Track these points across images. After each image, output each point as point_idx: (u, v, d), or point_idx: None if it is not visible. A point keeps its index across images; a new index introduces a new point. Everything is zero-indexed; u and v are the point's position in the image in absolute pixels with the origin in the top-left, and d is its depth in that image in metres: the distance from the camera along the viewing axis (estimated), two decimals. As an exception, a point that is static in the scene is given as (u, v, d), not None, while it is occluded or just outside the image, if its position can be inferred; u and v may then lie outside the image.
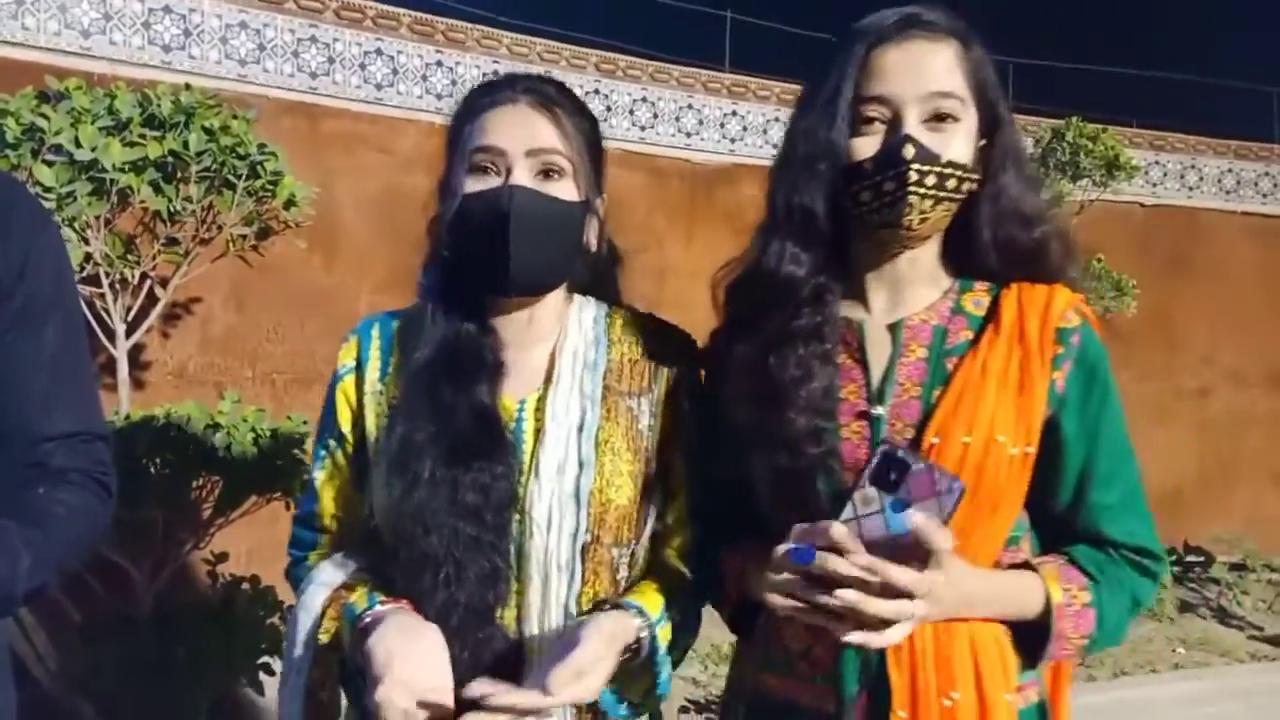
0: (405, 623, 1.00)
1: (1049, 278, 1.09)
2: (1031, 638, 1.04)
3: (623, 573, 1.11)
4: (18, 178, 2.43)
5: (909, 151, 1.00)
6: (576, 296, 1.18)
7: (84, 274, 2.72)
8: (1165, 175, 6.28)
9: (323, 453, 1.16)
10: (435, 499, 1.03)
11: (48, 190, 2.49)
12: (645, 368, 1.14)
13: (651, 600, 1.06)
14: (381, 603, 1.04)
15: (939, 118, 1.03)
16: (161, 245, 2.88)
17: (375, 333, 1.16)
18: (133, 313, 2.93)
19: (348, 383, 1.15)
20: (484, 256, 1.06)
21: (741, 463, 1.09)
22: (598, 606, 1.05)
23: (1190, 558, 5.77)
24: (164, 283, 3.00)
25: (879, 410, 1.07)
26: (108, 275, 2.78)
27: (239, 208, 2.86)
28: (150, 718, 2.70)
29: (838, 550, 0.91)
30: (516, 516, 1.06)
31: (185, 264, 2.94)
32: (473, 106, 1.09)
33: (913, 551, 0.90)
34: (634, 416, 1.12)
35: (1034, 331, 1.06)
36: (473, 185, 1.07)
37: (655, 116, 5.34)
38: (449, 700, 0.94)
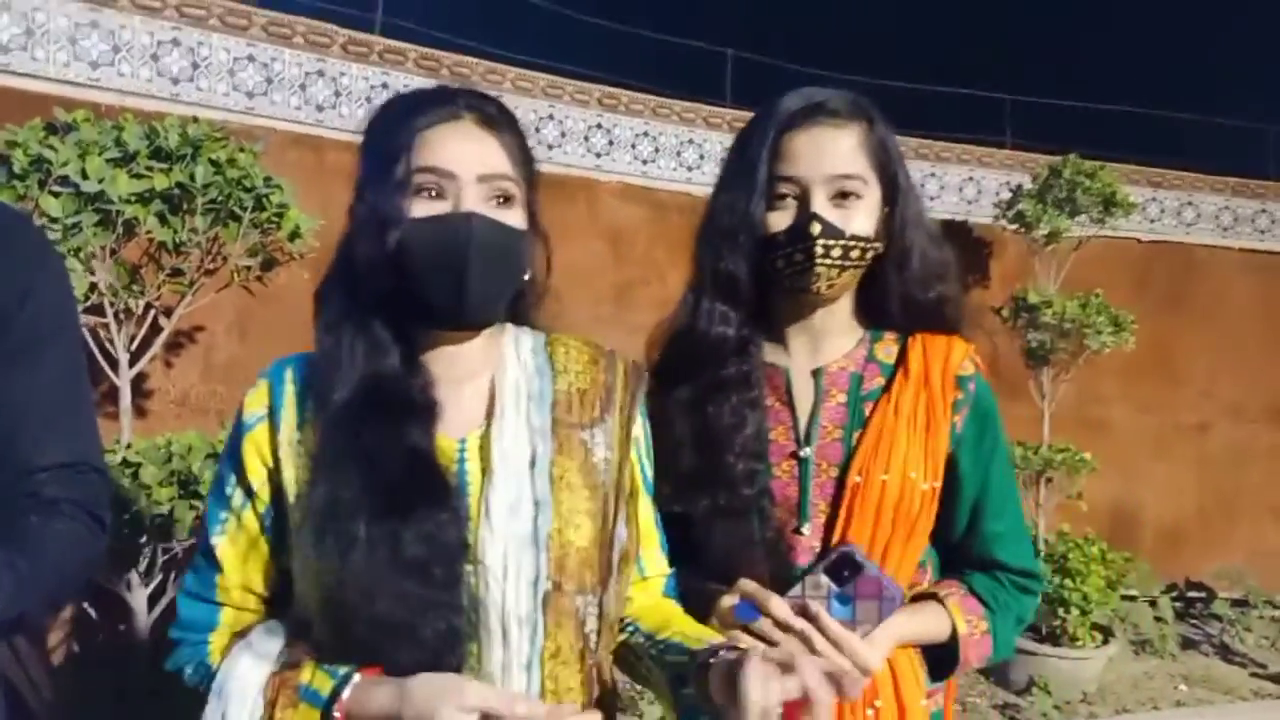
0: (408, 681, 0.89)
1: (947, 330, 1.24)
2: (936, 653, 1.22)
3: (590, 624, 1.01)
4: (24, 209, 2.45)
5: (815, 228, 1.14)
6: (510, 326, 1.09)
7: (89, 304, 2.73)
8: (1163, 212, 6.32)
9: (224, 514, 1.01)
10: (375, 559, 0.91)
11: (54, 221, 2.52)
12: (596, 397, 1.07)
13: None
14: (355, 671, 0.92)
15: (843, 195, 1.17)
16: (166, 276, 2.90)
17: (289, 375, 1.03)
18: (136, 342, 2.94)
19: (259, 433, 1.01)
20: (434, 287, 0.97)
21: (684, 500, 1.18)
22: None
23: (1191, 594, 5.74)
24: (168, 312, 3.02)
25: (806, 451, 1.21)
26: (112, 305, 2.80)
27: (244, 239, 2.89)
28: (143, 750, 2.68)
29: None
30: (469, 567, 0.96)
31: (190, 294, 2.96)
32: (407, 121, 0.99)
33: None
34: (588, 449, 1.04)
35: (937, 378, 1.20)
36: (419, 210, 0.97)
37: (657, 151, 5.38)
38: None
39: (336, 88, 4.36)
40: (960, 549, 1.27)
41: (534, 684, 0.98)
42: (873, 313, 1.27)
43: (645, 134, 5.34)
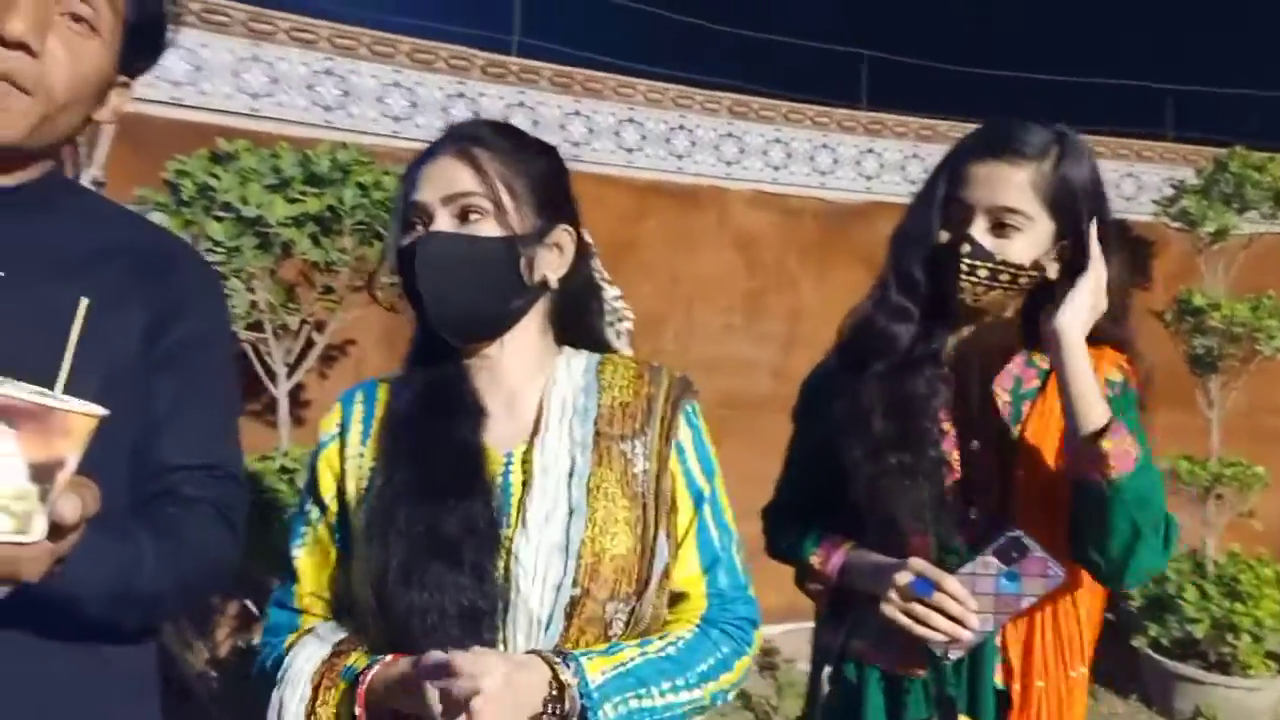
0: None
1: (1096, 342, 1.33)
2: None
3: (616, 629, 1.05)
4: (191, 233, 2.64)
5: (964, 248, 1.30)
6: (566, 348, 1.16)
7: (250, 320, 2.92)
8: (1347, 204, 5.80)
9: (303, 528, 1.12)
10: (414, 543, 1.00)
11: (218, 244, 2.70)
12: (637, 409, 1.11)
13: (598, 662, 1.00)
14: (377, 663, 1.00)
15: (1001, 225, 1.30)
16: (319, 293, 3.07)
17: (359, 398, 1.15)
18: (293, 355, 3.12)
19: (330, 451, 1.12)
20: (423, 304, 1.06)
21: (873, 460, 1.33)
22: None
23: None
24: (320, 327, 3.19)
25: (976, 444, 1.37)
26: (271, 322, 2.98)
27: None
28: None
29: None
30: (503, 568, 1.02)
31: (340, 310, 3.12)
32: (412, 169, 1.12)
33: (1004, 605, 1.24)
34: (628, 460, 1.08)
35: None
36: (404, 240, 1.08)
37: (789, 156, 5.32)
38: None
39: (476, 108, 4.52)
40: None
41: None
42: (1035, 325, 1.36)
43: (777, 140, 5.29)
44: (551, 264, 1.12)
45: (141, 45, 1.03)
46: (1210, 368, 4.66)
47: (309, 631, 1.09)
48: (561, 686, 0.96)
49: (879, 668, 1.37)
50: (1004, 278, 1.30)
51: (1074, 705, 1.34)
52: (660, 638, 1.07)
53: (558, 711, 0.96)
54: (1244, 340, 4.51)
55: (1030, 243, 1.31)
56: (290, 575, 1.12)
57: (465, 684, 0.89)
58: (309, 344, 3.17)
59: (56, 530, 0.72)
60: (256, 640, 3.30)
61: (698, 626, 1.10)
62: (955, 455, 1.36)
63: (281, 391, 3.05)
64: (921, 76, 5.96)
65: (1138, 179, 5.74)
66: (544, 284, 1.11)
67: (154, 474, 1.02)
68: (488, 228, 1.06)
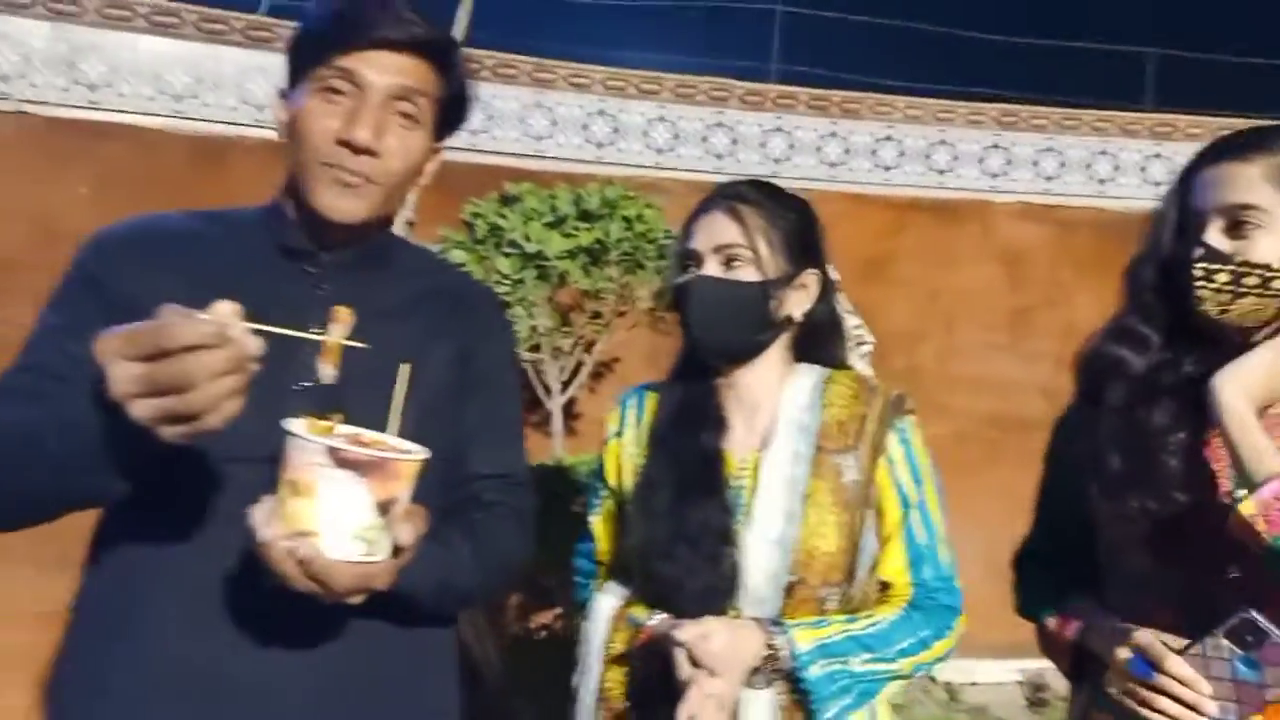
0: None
1: None
2: None
3: (830, 606, 1.25)
4: (484, 267, 3.03)
5: (1196, 253, 1.18)
6: (800, 365, 1.35)
7: (530, 343, 3.29)
8: None
9: (596, 502, 1.43)
10: (666, 529, 1.25)
11: (505, 277, 3.08)
12: (851, 427, 1.29)
13: (807, 633, 1.21)
14: (653, 614, 1.27)
15: (1238, 224, 1.17)
16: (589, 318, 3.39)
17: (633, 402, 1.41)
18: (566, 374, 3.47)
19: (614, 444, 1.39)
20: (688, 332, 1.31)
21: (1111, 503, 1.22)
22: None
23: None
24: (589, 348, 3.52)
25: (1240, 493, 1.13)
26: (547, 344, 3.34)
27: (649, 284, 3.29)
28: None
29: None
30: (733, 557, 1.23)
31: (607, 333, 3.43)
32: (687, 221, 1.34)
33: (1246, 695, 1.06)
34: (839, 471, 1.26)
35: None
36: (679, 279, 1.32)
37: (1062, 166, 5.07)
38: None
39: (734, 136, 4.73)
40: None
41: None
42: None
43: (1049, 149, 5.06)
44: (798, 302, 1.32)
45: (451, 117, 1.22)
46: None
47: (607, 585, 1.38)
48: (774, 649, 1.19)
49: None
50: (1250, 281, 1.17)
51: None
52: (866, 617, 1.25)
53: (773, 668, 1.19)
54: None
55: (1275, 240, 1.17)
56: (589, 536, 1.44)
57: (699, 643, 1.15)
58: (580, 364, 3.51)
59: (397, 550, 0.94)
60: (535, 625, 3.67)
61: (902, 610, 1.27)
62: (1220, 498, 1.17)
63: (556, 406, 3.40)
64: (1214, 73, 5.45)
65: None
66: (789, 319, 1.32)
67: (463, 481, 1.22)
68: (746, 273, 1.28)
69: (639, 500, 1.31)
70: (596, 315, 3.39)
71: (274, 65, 3.93)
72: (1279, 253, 1.16)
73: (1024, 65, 5.50)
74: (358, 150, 1.09)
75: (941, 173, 4.94)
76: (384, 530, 0.92)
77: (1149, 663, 1.11)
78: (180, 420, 0.82)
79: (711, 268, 1.28)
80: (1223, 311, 1.18)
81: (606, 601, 1.34)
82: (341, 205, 1.12)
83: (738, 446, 1.30)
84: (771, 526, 1.24)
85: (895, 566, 1.28)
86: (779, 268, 1.28)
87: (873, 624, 1.25)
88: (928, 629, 1.26)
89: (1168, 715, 1.10)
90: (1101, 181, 5.07)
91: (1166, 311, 1.24)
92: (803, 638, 1.21)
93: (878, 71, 5.16)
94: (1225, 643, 1.07)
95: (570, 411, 4.22)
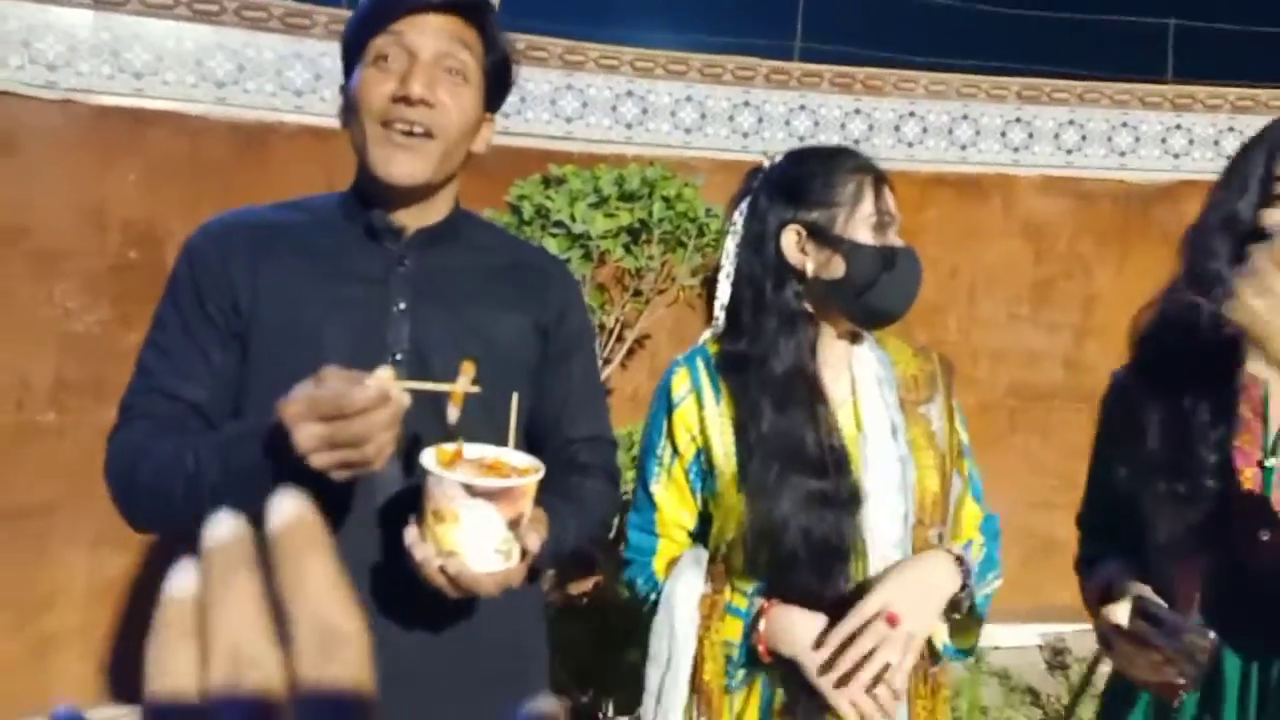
0: (786, 620, 1.25)
1: None
2: None
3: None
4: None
5: None
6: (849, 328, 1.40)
7: (573, 321, 3.38)
8: None
9: (657, 469, 1.37)
10: (792, 507, 1.25)
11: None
12: (926, 381, 1.39)
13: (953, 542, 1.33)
14: (754, 602, 1.28)
15: None
16: (630, 296, 3.48)
17: (700, 364, 1.37)
18: (607, 350, 3.56)
19: (687, 408, 1.35)
20: (892, 299, 1.31)
21: (1140, 482, 1.27)
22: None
23: None
24: (628, 325, 3.61)
25: (1272, 461, 1.24)
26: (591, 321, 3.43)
27: (688, 262, 3.37)
28: (615, 683, 3.25)
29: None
30: (857, 515, 1.28)
31: (648, 310, 3.51)
32: (836, 170, 1.34)
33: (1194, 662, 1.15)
34: (927, 420, 1.36)
35: None
36: (868, 240, 1.30)
37: (1084, 138, 5.13)
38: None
39: (760, 114, 4.79)
40: None
41: None
42: None
43: (1070, 122, 5.11)
44: None
45: (498, 85, 1.30)
46: None
47: (676, 560, 1.35)
48: (966, 571, 1.26)
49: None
50: None
51: None
52: (972, 541, 1.36)
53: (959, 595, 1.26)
54: None
55: None
56: (649, 504, 1.37)
57: (891, 607, 1.18)
58: (619, 340, 3.59)
59: (527, 554, 1.08)
60: (575, 593, 3.78)
61: (984, 540, 1.38)
62: (1250, 474, 1.23)
63: (598, 382, 3.50)
64: (1234, 43, 5.48)
65: None
66: None
67: (561, 445, 1.33)
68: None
69: (752, 477, 1.27)
70: (637, 294, 3.48)
71: (312, 52, 4.01)
72: None
73: (1045, 38, 5.53)
74: (414, 102, 1.17)
75: (964, 148, 5.00)
76: (515, 541, 1.06)
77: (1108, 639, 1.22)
78: (351, 465, 0.99)
79: (898, 239, 1.33)
80: None
81: (689, 586, 1.30)
82: (403, 168, 1.19)
83: (830, 402, 1.33)
84: (890, 473, 1.30)
85: (972, 506, 1.40)
86: None
87: (981, 546, 1.36)
88: (998, 552, 1.40)
89: (1143, 677, 1.21)
90: (1122, 154, 5.13)
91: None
92: (973, 558, 1.30)
93: (900, 47, 5.21)
94: (1146, 625, 1.17)
95: (605, 389, 4.32)
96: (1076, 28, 5.56)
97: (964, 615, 1.29)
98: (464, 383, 1.11)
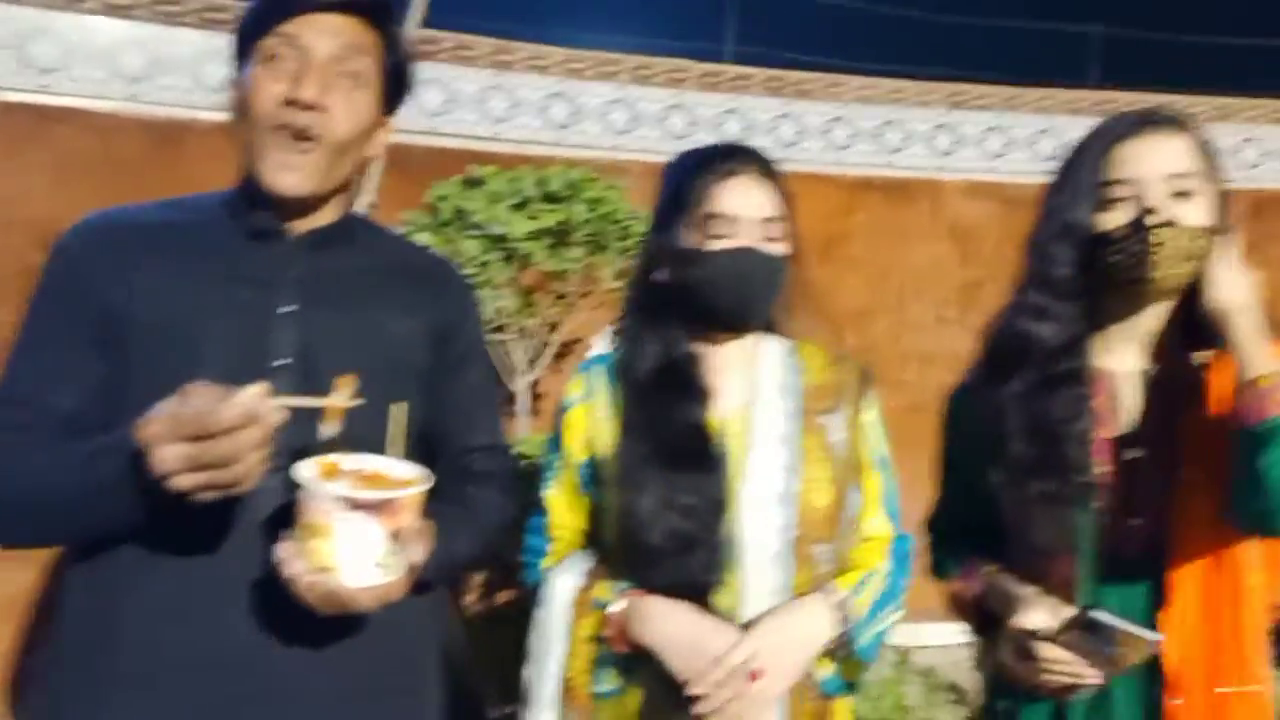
0: (654, 607, 1.23)
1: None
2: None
3: (824, 567, 1.29)
4: (449, 250, 3.07)
5: (1152, 217, 1.22)
6: (766, 334, 1.37)
7: (495, 325, 3.33)
8: None
9: (551, 474, 1.38)
10: (656, 501, 1.24)
11: (470, 259, 3.12)
12: (831, 390, 1.34)
13: (845, 579, 1.28)
14: (619, 593, 1.26)
15: (1178, 194, 1.23)
16: (553, 299, 3.45)
17: (597, 370, 1.37)
18: (531, 354, 3.53)
19: (577, 412, 1.35)
20: (722, 302, 1.28)
21: (1015, 487, 1.30)
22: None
23: None
24: (554, 329, 3.57)
25: (1133, 452, 1.29)
26: (513, 325, 3.38)
27: (613, 265, 3.35)
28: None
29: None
30: (729, 521, 1.25)
31: (571, 313, 3.49)
32: (697, 172, 1.29)
33: (1113, 665, 1.22)
34: (825, 430, 1.31)
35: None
36: (711, 245, 1.27)
37: (1008, 144, 5.22)
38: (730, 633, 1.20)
39: (692, 117, 4.79)
40: None
41: None
42: (1188, 324, 1.30)
43: (995, 128, 5.20)
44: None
45: (397, 87, 1.26)
46: None
47: (562, 560, 1.35)
48: (846, 619, 1.24)
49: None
50: (1201, 244, 1.21)
51: None
52: (876, 573, 1.31)
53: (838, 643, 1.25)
54: None
55: (1206, 207, 1.24)
56: (541, 510, 1.38)
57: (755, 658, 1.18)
58: (544, 344, 3.56)
59: (412, 567, 1.05)
60: (500, 603, 3.73)
61: (891, 560, 1.33)
62: (1110, 465, 1.29)
63: (521, 386, 3.46)
64: (1155, 50, 5.63)
65: None
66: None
67: (456, 454, 1.30)
68: (780, 248, 1.29)
69: (622, 472, 1.28)
70: (561, 296, 3.45)
71: (229, 48, 3.89)
72: (1209, 220, 1.24)
73: (972, 45, 5.62)
74: (304, 107, 1.13)
75: (892, 152, 5.05)
76: (397, 554, 1.03)
77: (1029, 649, 1.24)
78: (218, 487, 0.94)
79: (754, 239, 1.26)
80: (1163, 276, 1.23)
81: (566, 581, 1.31)
82: (289, 179, 1.15)
83: (718, 410, 1.31)
84: (772, 482, 1.27)
85: (879, 522, 1.35)
86: (790, 244, 1.31)
87: (883, 577, 1.31)
88: (905, 578, 1.36)
89: (1053, 685, 1.24)
90: (1046, 159, 5.23)
91: (1079, 287, 1.28)
92: (858, 607, 1.26)
93: (830, 52, 5.25)
94: (1077, 635, 1.21)
95: (534, 393, 4.28)
96: (1002, 34, 5.65)
97: (846, 657, 1.28)
98: (342, 397, 1.08)
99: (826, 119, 5.01)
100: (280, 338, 1.17)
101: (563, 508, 1.37)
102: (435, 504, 1.11)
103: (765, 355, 1.36)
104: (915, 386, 5.11)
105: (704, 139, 4.78)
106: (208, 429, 0.91)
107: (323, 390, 1.08)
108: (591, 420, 1.34)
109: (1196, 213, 1.24)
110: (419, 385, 1.25)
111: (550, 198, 3.26)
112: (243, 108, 1.17)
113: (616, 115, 4.66)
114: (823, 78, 5.04)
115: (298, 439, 1.07)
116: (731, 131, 4.85)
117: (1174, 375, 1.30)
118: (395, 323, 1.24)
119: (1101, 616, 1.19)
